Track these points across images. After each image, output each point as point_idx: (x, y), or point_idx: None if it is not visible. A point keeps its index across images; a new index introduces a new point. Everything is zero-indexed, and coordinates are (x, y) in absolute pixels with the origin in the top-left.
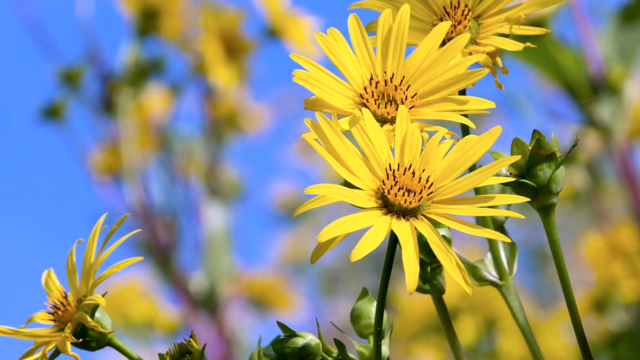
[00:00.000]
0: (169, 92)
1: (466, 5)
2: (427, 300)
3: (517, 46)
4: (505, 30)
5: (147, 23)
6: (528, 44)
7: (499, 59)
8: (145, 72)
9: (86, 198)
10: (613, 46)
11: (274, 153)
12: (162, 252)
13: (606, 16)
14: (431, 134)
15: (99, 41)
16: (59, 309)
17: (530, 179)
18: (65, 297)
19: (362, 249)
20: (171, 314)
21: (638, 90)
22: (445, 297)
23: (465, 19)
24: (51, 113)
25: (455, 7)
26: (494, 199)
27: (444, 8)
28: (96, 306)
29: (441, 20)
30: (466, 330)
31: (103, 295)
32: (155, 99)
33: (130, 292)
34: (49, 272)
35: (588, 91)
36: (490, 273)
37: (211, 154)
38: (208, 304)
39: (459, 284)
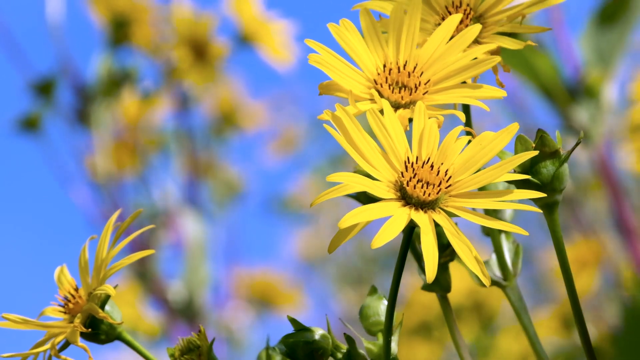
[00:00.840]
0: (143, 100)
1: (468, 5)
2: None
3: (519, 45)
4: (507, 29)
5: (119, 32)
6: (529, 42)
7: (499, 58)
8: (119, 82)
9: (62, 205)
10: (590, 49)
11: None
12: (139, 260)
13: (583, 18)
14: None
15: (71, 52)
16: (69, 301)
17: (534, 176)
18: (77, 289)
19: (383, 238)
20: (153, 319)
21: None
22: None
23: (468, 18)
24: (27, 125)
25: (457, 6)
26: (509, 194)
27: (446, 7)
28: (107, 299)
29: (443, 19)
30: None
31: (114, 288)
32: (130, 107)
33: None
34: (62, 267)
35: (565, 95)
36: (495, 274)
37: (192, 158)
38: (187, 313)
39: (472, 278)
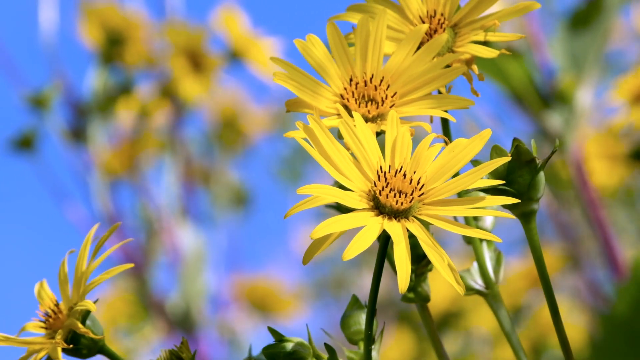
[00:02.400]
0: (139, 113)
1: (442, 14)
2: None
3: (493, 53)
4: (481, 38)
5: (113, 48)
6: (503, 50)
7: (474, 66)
8: (114, 96)
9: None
10: (564, 54)
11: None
12: (136, 272)
13: (556, 22)
14: (418, 137)
15: (65, 68)
16: (50, 316)
17: (510, 186)
18: (57, 305)
19: (355, 249)
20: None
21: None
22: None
23: (442, 27)
24: (22, 144)
25: (431, 16)
26: (484, 200)
27: (420, 17)
28: (87, 313)
29: None
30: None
31: (94, 303)
32: (126, 118)
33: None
34: (42, 282)
35: (539, 100)
36: (477, 282)
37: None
38: (184, 325)
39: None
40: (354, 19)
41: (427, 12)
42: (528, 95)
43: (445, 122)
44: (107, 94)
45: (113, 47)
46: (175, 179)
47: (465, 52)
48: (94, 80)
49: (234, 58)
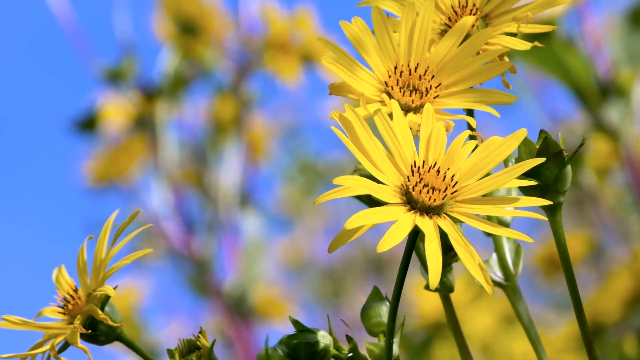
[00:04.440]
0: (210, 100)
1: (474, 5)
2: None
3: (525, 45)
4: (513, 30)
5: (186, 37)
6: (536, 43)
7: (506, 59)
8: (184, 81)
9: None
10: (622, 49)
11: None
12: (196, 255)
13: (615, 19)
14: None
15: (137, 54)
16: (68, 302)
17: (537, 178)
18: (76, 290)
19: (388, 242)
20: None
21: None
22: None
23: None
24: (85, 125)
25: (463, 6)
26: (518, 201)
27: (452, 8)
28: (106, 300)
29: (449, 19)
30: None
31: (114, 289)
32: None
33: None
34: (60, 268)
35: (596, 94)
36: (496, 274)
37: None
38: (241, 310)
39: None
40: (389, 7)
41: (459, 2)
42: (586, 89)
43: (472, 117)
44: (178, 79)
45: (187, 34)
46: (238, 166)
47: (498, 44)
48: (166, 65)
49: (306, 59)
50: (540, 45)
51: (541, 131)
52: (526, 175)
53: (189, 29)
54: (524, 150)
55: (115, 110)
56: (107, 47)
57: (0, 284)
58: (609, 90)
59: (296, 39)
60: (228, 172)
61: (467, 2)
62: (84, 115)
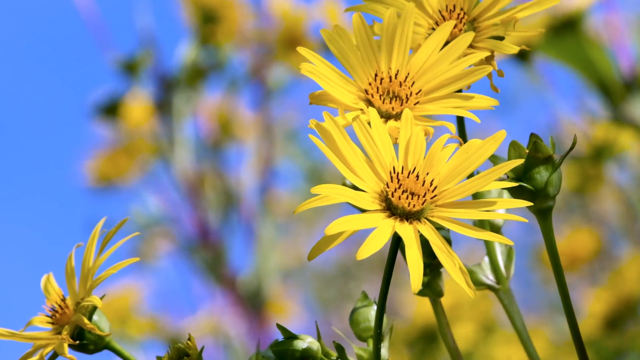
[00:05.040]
0: (227, 92)
1: (462, 9)
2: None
3: (513, 49)
4: (501, 33)
5: (206, 27)
6: (523, 46)
7: (494, 62)
8: (203, 72)
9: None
10: None
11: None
12: (212, 248)
13: (638, 13)
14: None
15: (157, 42)
16: (57, 311)
17: (527, 182)
18: (64, 299)
19: (367, 249)
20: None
21: None
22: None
23: (461, 22)
24: (107, 110)
25: (450, 10)
26: (497, 204)
27: (440, 12)
28: (94, 309)
29: (437, 24)
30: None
31: (101, 298)
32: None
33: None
34: (48, 276)
35: (620, 89)
36: (488, 277)
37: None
38: (255, 301)
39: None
40: (374, 11)
41: (447, 6)
42: (610, 83)
43: (460, 121)
44: (197, 70)
45: (207, 24)
46: (256, 159)
47: (485, 48)
48: (185, 55)
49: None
50: (527, 49)
51: (531, 135)
52: (516, 179)
53: (209, 19)
54: (514, 155)
55: (134, 102)
56: (125, 38)
57: (1, 284)
58: (632, 85)
59: (312, 32)
60: (245, 165)
61: (454, 7)
62: (105, 100)
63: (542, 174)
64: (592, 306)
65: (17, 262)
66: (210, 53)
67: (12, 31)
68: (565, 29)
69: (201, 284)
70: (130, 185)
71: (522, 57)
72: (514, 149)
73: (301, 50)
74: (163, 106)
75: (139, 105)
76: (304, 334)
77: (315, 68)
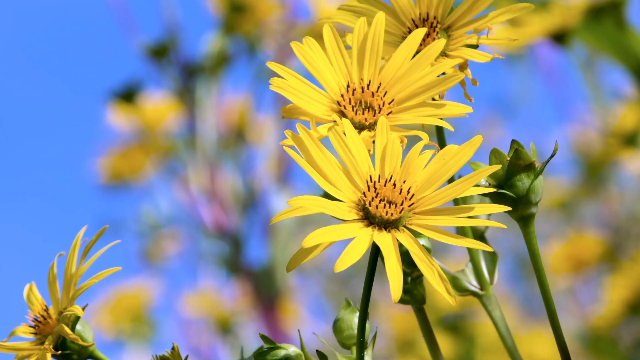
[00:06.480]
0: (252, 81)
1: (435, 17)
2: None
3: (486, 57)
4: (474, 42)
5: (233, 16)
6: (497, 54)
7: (468, 71)
8: (227, 59)
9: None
10: None
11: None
12: (230, 237)
13: None
14: (411, 143)
15: (182, 29)
16: (40, 322)
17: (509, 189)
18: (47, 310)
19: (345, 261)
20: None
21: None
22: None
23: (435, 31)
24: (125, 96)
25: (424, 19)
26: (474, 209)
27: (413, 20)
28: (77, 319)
29: (410, 32)
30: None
31: (83, 308)
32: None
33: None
34: (31, 285)
35: None
36: (471, 283)
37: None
38: (270, 292)
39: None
40: (344, 20)
41: (420, 14)
42: None
43: (439, 128)
44: (221, 58)
45: (234, 13)
46: (275, 152)
47: (458, 56)
48: (210, 44)
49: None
50: (500, 57)
51: (512, 141)
52: (498, 186)
53: (237, 8)
54: (495, 162)
55: (154, 93)
56: (151, 27)
57: (8, 283)
58: None
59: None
60: (264, 152)
61: (427, 15)
62: (124, 87)
63: (523, 181)
64: (612, 293)
65: (20, 263)
66: (236, 42)
67: (30, 19)
68: (604, 14)
69: (215, 276)
70: (143, 184)
71: (561, 40)
72: (495, 156)
73: (271, 65)
74: (185, 94)
75: (158, 98)
76: (291, 343)
77: (285, 82)
